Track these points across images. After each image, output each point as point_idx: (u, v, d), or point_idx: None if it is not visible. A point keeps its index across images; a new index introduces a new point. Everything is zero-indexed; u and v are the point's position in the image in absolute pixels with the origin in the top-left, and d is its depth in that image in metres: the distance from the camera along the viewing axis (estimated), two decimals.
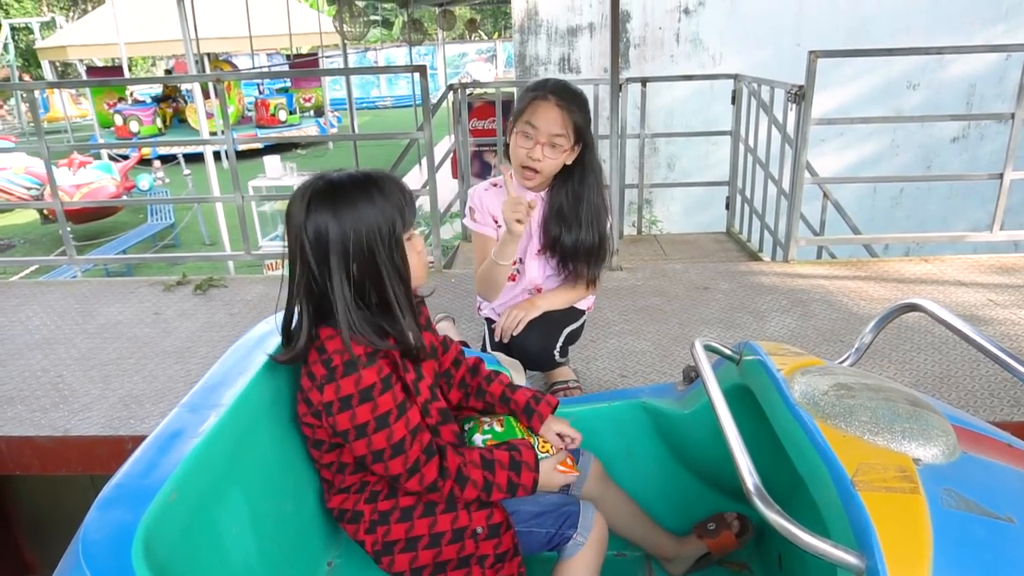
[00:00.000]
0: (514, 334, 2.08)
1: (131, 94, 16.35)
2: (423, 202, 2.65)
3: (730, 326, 2.92)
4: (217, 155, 7.52)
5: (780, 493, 1.18)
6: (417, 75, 3.66)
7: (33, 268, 7.12)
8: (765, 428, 1.31)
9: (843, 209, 4.36)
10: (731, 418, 1.11)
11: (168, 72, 19.75)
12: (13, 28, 21.02)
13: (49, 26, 21.60)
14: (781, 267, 3.68)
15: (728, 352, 1.47)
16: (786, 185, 3.85)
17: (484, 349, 2.21)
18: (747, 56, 6.62)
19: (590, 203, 2.08)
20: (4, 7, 24.11)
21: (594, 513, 1.45)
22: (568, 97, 1.96)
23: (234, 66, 16.85)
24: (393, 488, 1.39)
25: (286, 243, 1.32)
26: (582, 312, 2.28)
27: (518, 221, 1.91)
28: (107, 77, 16.80)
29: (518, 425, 1.57)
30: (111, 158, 11.73)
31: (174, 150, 13.05)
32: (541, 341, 2.12)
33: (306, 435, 1.40)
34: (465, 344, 2.27)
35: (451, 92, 4.83)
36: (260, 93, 16.71)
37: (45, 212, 10.28)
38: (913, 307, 1.47)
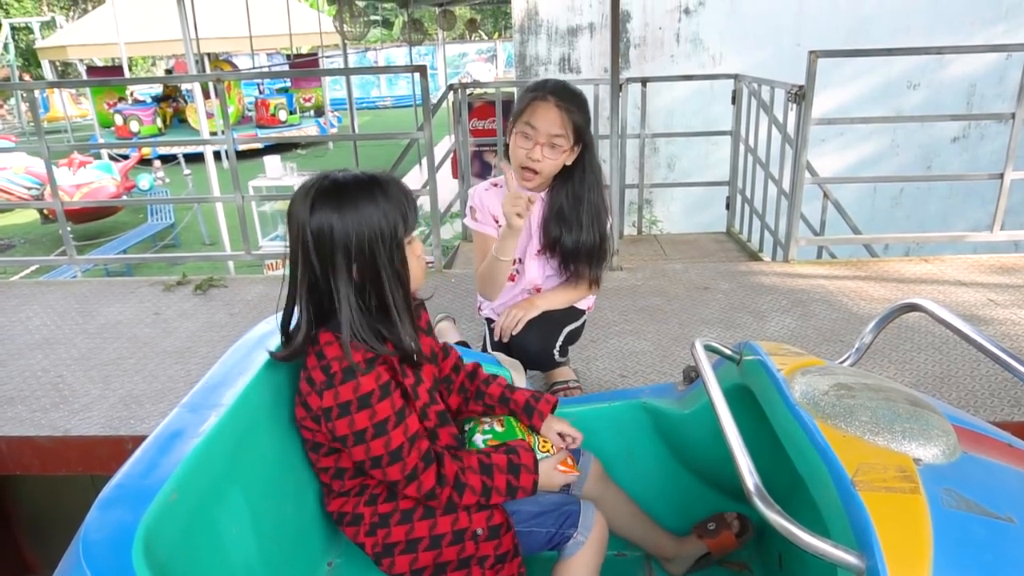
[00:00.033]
0: (513, 333, 2.08)
1: (131, 94, 16.35)
2: (423, 202, 2.65)
3: (730, 326, 2.92)
4: (217, 155, 7.52)
5: (780, 493, 1.18)
6: (417, 75, 3.66)
7: (33, 268, 7.12)
8: (765, 428, 1.31)
9: (843, 209, 4.36)
10: (731, 418, 1.11)
11: (168, 72, 19.75)
12: (13, 28, 21.02)
13: (49, 26, 21.60)
14: (781, 267, 3.68)
15: (728, 352, 1.47)
16: (786, 185, 3.85)
17: (484, 349, 2.21)
18: (747, 56, 6.62)
19: (590, 203, 2.08)
20: (4, 7, 24.11)
21: (594, 512, 1.45)
22: (567, 97, 1.96)
23: (234, 66, 16.85)
24: (393, 491, 1.39)
25: (287, 242, 1.32)
26: (582, 312, 2.28)
27: (518, 215, 1.91)
28: (107, 77, 16.80)
29: (518, 425, 1.57)
30: (111, 158, 11.73)
31: (174, 150, 13.05)
32: (541, 341, 2.12)
33: (305, 438, 1.40)
34: (465, 344, 2.27)
35: (451, 92, 4.83)
36: (260, 93, 16.71)
37: (45, 212, 10.28)
38: (913, 307, 1.47)
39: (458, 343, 2.24)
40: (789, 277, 3.49)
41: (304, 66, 17.66)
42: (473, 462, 1.39)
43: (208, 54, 13.83)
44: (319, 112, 16.90)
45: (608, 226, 2.16)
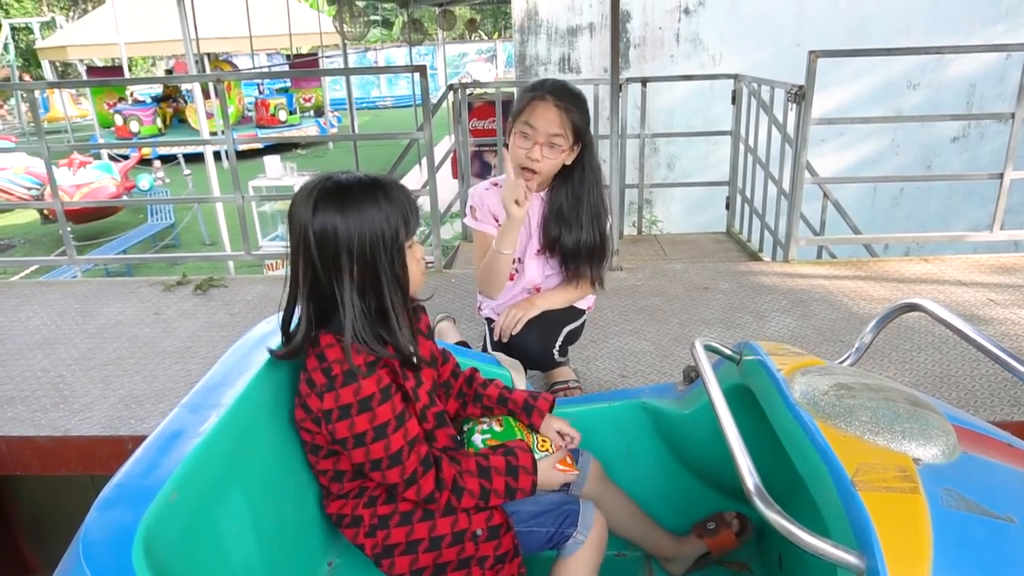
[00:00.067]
0: (513, 333, 2.08)
1: (131, 94, 16.35)
2: (423, 202, 2.65)
3: (730, 326, 2.92)
4: (217, 155, 7.52)
5: (780, 493, 1.18)
6: (417, 75, 3.66)
7: (33, 268, 7.13)
8: (765, 428, 1.31)
9: (843, 209, 4.36)
10: (731, 418, 1.11)
11: (168, 72, 19.75)
12: (13, 28, 21.02)
13: (49, 26, 21.60)
14: (781, 267, 3.68)
15: (728, 352, 1.47)
16: (786, 185, 3.85)
17: (484, 349, 2.21)
18: (747, 56, 6.62)
19: (590, 203, 2.08)
20: (4, 7, 24.11)
21: (594, 512, 1.45)
22: (566, 97, 1.95)
23: (234, 66, 16.85)
24: (392, 493, 1.39)
25: (288, 242, 1.32)
26: (582, 312, 2.28)
27: (516, 203, 1.91)
28: (107, 77, 16.80)
29: (517, 425, 1.57)
30: (111, 158, 11.73)
31: (174, 150, 13.05)
32: (540, 340, 2.12)
33: (304, 440, 1.40)
34: (465, 344, 2.27)
35: (451, 92, 4.83)
36: (260, 93, 16.71)
37: (45, 212, 10.28)
38: (913, 307, 1.47)
39: (458, 343, 2.24)
40: (789, 277, 3.49)
41: (304, 66, 17.67)
42: (471, 465, 1.39)
43: (208, 54, 13.83)
44: (319, 112, 16.90)
45: (608, 226, 2.16)
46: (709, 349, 1.41)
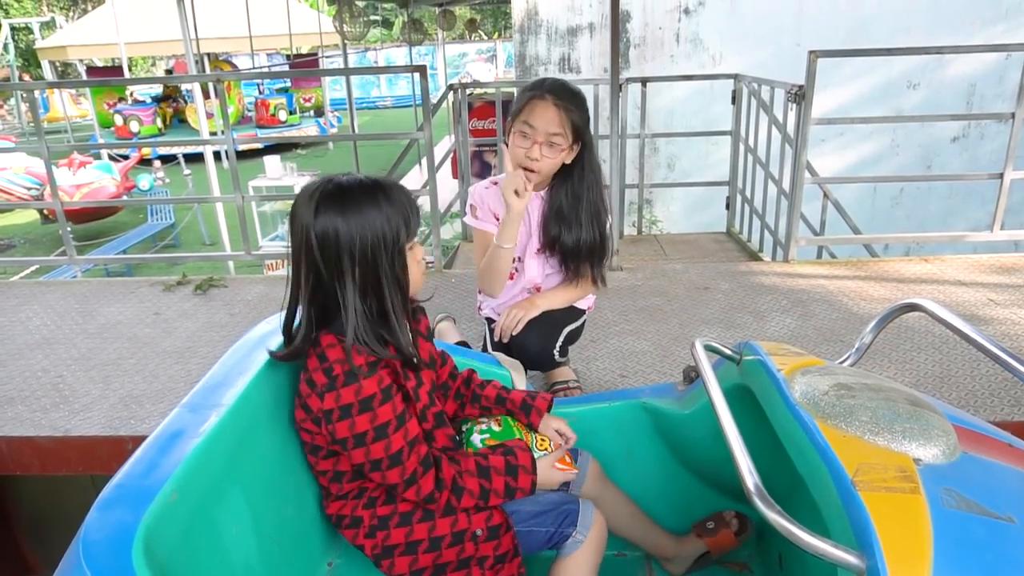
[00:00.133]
0: (513, 334, 2.08)
1: (131, 94, 16.35)
2: (423, 202, 2.65)
3: (730, 326, 2.92)
4: (217, 155, 7.52)
5: (780, 493, 1.18)
6: (417, 75, 3.66)
7: (33, 268, 7.13)
8: (765, 428, 1.31)
9: (843, 209, 4.36)
10: (731, 418, 1.11)
11: (168, 72, 19.75)
12: (13, 28, 21.02)
13: (49, 26, 21.60)
14: (781, 267, 3.68)
15: (728, 352, 1.47)
16: (786, 185, 3.85)
17: (484, 349, 2.21)
18: (747, 56, 6.62)
19: (589, 202, 2.08)
20: (4, 7, 24.11)
21: (593, 511, 1.45)
22: (566, 96, 1.95)
23: (234, 66, 16.86)
24: (391, 494, 1.39)
25: (290, 243, 1.32)
26: (582, 312, 2.28)
27: (516, 194, 1.91)
28: (107, 77, 16.80)
29: (516, 424, 1.57)
30: (111, 158, 11.73)
31: (174, 150, 13.05)
32: (541, 341, 2.12)
33: (304, 440, 1.41)
34: (465, 344, 2.27)
35: (451, 92, 4.83)
36: (260, 93, 16.71)
37: (45, 212, 10.28)
38: (913, 307, 1.47)
39: (458, 343, 2.24)
40: (789, 277, 3.49)
41: (304, 66, 17.67)
42: (471, 465, 1.39)
43: (208, 54, 13.83)
44: (319, 112, 16.90)
45: (608, 225, 2.16)
46: (709, 349, 1.41)
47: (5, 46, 19.62)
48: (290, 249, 1.32)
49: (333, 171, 1.36)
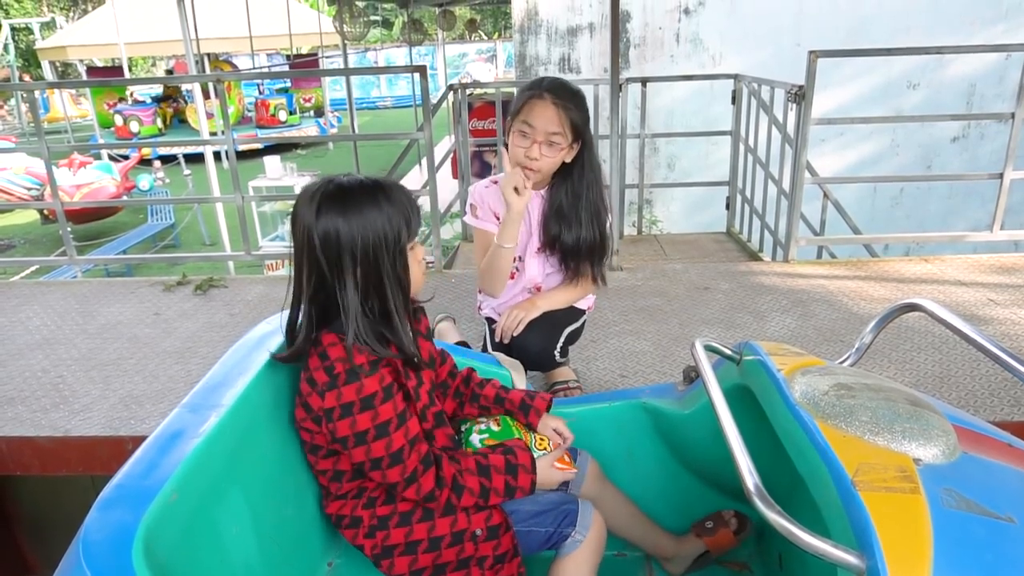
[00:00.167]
0: (514, 334, 2.08)
1: (131, 94, 16.35)
2: (423, 202, 2.65)
3: (730, 326, 2.92)
4: (217, 155, 7.52)
5: (780, 493, 1.18)
6: (417, 75, 3.66)
7: (33, 268, 7.12)
8: (765, 428, 1.31)
9: (843, 209, 4.36)
10: (731, 418, 1.11)
11: (168, 72, 19.76)
12: (13, 28, 21.02)
13: (49, 26, 21.60)
14: (781, 267, 3.68)
15: (728, 352, 1.47)
16: (786, 185, 3.85)
17: (484, 349, 2.21)
18: (747, 56, 6.62)
19: (589, 201, 2.08)
20: (4, 7, 24.11)
21: (593, 512, 1.45)
22: (564, 95, 1.95)
23: (234, 66, 16.85)
24: (391, 493, 1.39)
25: (291, 243, 1.32)
26: (582, 312, 2.28)
27: (515, 190, 1.91)
28: (107, 77, 16.79)
29: (515, 424, 1.57)
30: (111, 158, 11.72)
31: (174, 150, 13.05)
32: (542, 341, 2.12)
33: (304, 440, 1.41)
34: (465, 344, 2.27)
35: (451, 92, 4.83)
36: (260, 93, 16.71)
37: (45, 212, 10.28)
38: (913, 307, 1.47)
39: (458, 343, 2.24)
40: (789, 277, 3.49)
41: (304, 66, 17.66)
42: (471, 464, 1.39)
43: (208, 54, 13.83)
44: (319, 112, 16.90)
45: (608, 224, 2.16)
46: (709, 349, 1.41)
47: (5, 46, 19.61)
48: (292, 250, 1.32)
49: (333, 171, 1.37)
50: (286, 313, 1.39)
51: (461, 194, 4.93)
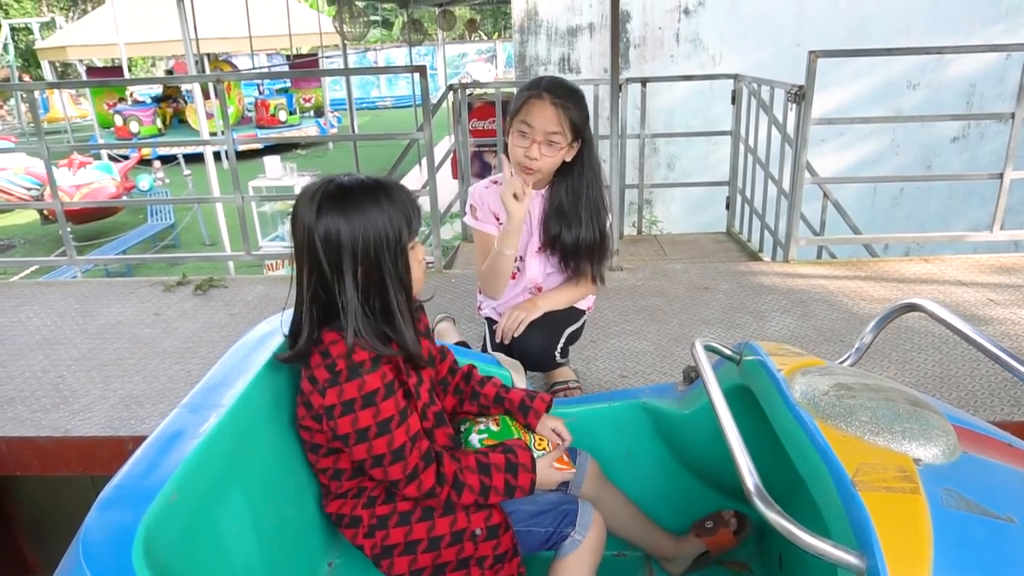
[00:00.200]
0: (515, 335, 2.08)
1: (131, 94, 16.35)
2: (423, 202, 2.65)
3: (730, 326, 2.92)
4: (217, 155, 7.52)
5: (780, 493, 1.18)
6: (417, 75, 3.66)
7: (33, 268, 7.12)
8: (765, 428, 1.31)
9: (843, 209, 4.36)
10: (731, 418, 1.11)
11: (168, 72, 19.76)
12: (13, 28, 21.02)
13: (49, 26, 21.60)
14: (781, 267, 3.68)
15: (728, 352, 1.47)
16: (786, 185, 3.85)
17: (484, 349, 2.21)
18: (747, 56, 6.62)
19: (589, 199, 2.08)
20: (4, 7, 24.10)
21: (592, 512, 1.45)
22: (563, 95, 1.95)
23: (234, 66, 16.85)
24: (391, 493, 1.39)
25: (293, 244, 1.32)
26: (582, 312, 2.28)
27: (515, 198, 1.91)
28: (107, 78, 16.79)
29: (514, 424, 1.57)
30: (111, 158, 11.72)
31: (174, 150, 13.05)
32: (542, 342, 2.12)
33: (304, 439, 1.41)
34: (465, 344, 2.27)
35: (451, 92, 4.83)
36: (260, 93, 16.71)
37: (45, 212, 10.28)
38: (913, 307, 1.47)
39: (458, 344, 2.24)
40: (789, 277, 3.49)
41: (304, 66, 17.66)
42: (471, 462, 1.39)
43: (208, 54, 13.83)
44: (319, 112, 16.90)
45: (608, 223, 2.16)
46: (709, 349, 1.41)
47: (5, 46, 19.62)
48: (292, 250, 1.32)
49: (333, 171, 1.37)
50: (287, 313, 1.40)
51: (461, 194, 4.93)
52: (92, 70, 18.08)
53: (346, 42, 10.32)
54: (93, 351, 2.89)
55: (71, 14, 25.93)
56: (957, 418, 1.19)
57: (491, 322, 2.26)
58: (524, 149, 1.96)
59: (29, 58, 22.37)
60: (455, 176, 5.58)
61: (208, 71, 12.74)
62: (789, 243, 3.67)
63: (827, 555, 0.91)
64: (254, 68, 15.71)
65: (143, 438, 1.24)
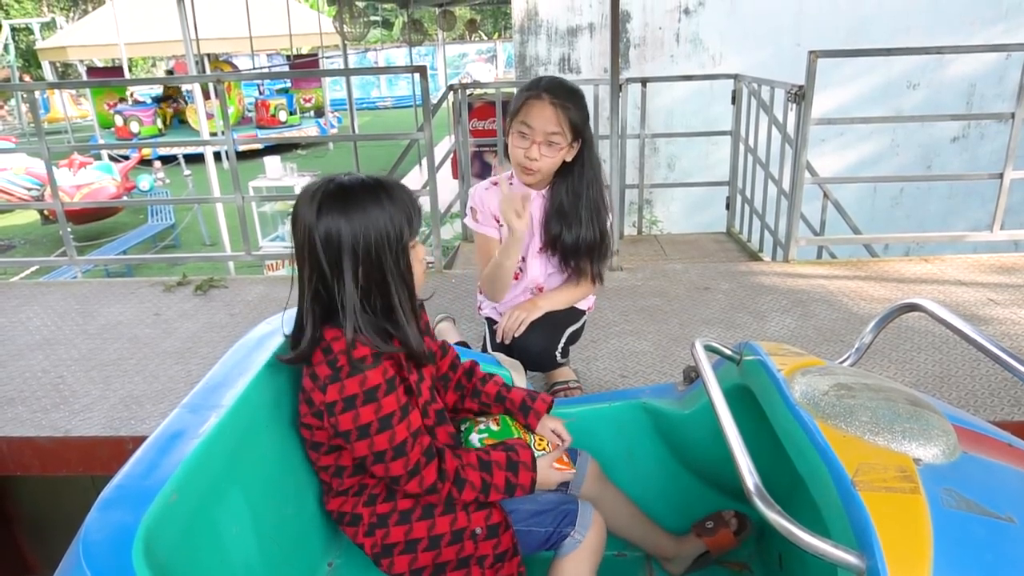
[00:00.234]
0: (516, 335, 2.08)
1: (131, 95, 16.36)
2: (423, 203, 2.65)
3: (730, 326, 2.92)
4: (217, 156, 7.52)
5: (780, 493, 1.18)
6: (417, 75, 3.66)
7: (33, 269, 7.12)
8: (765, 428, 1.31)
9: (843, 209, 4.36)
10: (731, 418, 1.11)
11: (168, 73, 19.76)
12: (13, 29, 21.01)
13: (49, 27, 21.60)
14: (781, 267, 3.68)
15: (728, 352, 1.47)
16: (786, 185, 3.85)
17: (484, 349, 2.21)
18: (747, 56, 6.62)
19: (589, 199, 2.08)
20: (4, 7, 24.11)
21: (592, 512, 1.46)
22: (562, 95, 1.95)
23: (234, 67, 16.85)
24: (391, 491, 1.39)
25: (293, 244, 1.32)
26: (583, 312, 2.28)
27: (516, 215, 1.91)
28: (107, 78, 16.79)
29: (514, 424, 1.57)
30: (111, 159, 11.73)
31: (174, 151, 13.05)
32: (543, 342, 2.12)
33: (304, 437, 1.41)
34: (465, 344, 2.27)
35: (451, 92, 4.83)
36: (260, 94, 16.71)
37: (45, 213, 10.28)
38: (913, 307, 1.47)
39: (458, 343, 2.24)
40: (789, 277, 3.49)
41: (304, 67, 17.66)
42: (472, 459, 1.40)
43: (208, 55, 13.83)
44: (319, 113, 16.90)
45: (608, 223, 2.16)
46: (709, 349, 1.41)
47: (5, 47, 19.61)
48: (292, 250, 1.32)
49: (333, 172, 1.36)
50: (288, 313, 1.40)
51: (461, 194, 4.93)
52: (92, 70, 18.09)
53: (346, 42, 10.33)
54: (93, 351, 2.89)
55: (71, 14, 25.94)
56: (957, 418, 1.19)
57: (491, 322, 2.26)
58: (524, 150, 1.97)
59: (29, 58, 22.37)
60: (455, 176, 5.59)
61: (208, 71, 12.74)
62: (789, 243, 3.67)
63: (827, 555, 0.91)
64: (254, 68, 15.71)
65: (143, 438, 1.24)
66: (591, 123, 2.12)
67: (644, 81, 4.91)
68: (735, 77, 4.81)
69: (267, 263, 6.99)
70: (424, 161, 3.81)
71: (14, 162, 11.26)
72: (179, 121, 15.92)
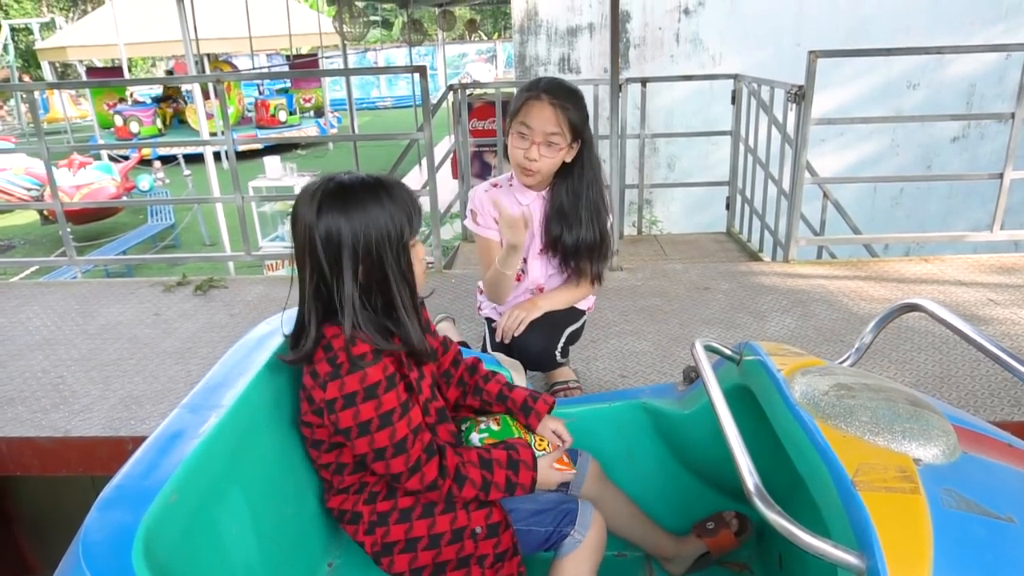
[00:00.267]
0: (516, 335, 2.08)
1: (131, 95, 16.35)
2: (423, 203, 2.65)
3: (730, 326, 2.92)
4: (217, 156, 7.52)
5: (780, 493, 1.18)
6: (417, 75, 3.66)
7: (33, 269, 7.12)
8: (765, 428, 1.31)
9: (843, 209, 4.36)
10: (731, 418, 1.11)
11: (168, 73, 19.76)
12: (13, 29, 21.00)
13: (49, 27, 21.60)
14: (781, 267, 3.68)
15: (728, 352, 1.47)
16: (786, 185, 3.85)
17: (484, 349, 2.21)
18: (747, 56, 6.62)
19: (589, 200, 2.08)
20: (4, 8, 24.10)
21: (592, 512, 1.45)
22: (562, 95, 1.95)
23: (234, 67, 16.85)
24: (392, 489, 1.39)
25: (293, 243, 1.32)
26: (583, 312, 2.28)
27: (514, 233, 1.93)
28: (107, 78, 16.78)
29: (515, 424, 1.57)
30: (111, 159, 11.72)
31: (174, 151, 13.04)
32: (543, 341, 2.12)
33: (305, 435, 1.41)
34: (465, 344, 2.27)
35: (451, 92, 4.83)
36: (260, 94, 16.71)
37: (45, 213, 10.28)
38: (913, 307, 1.47)
39: (458, 343, 2.24)
40: (789, 277, 3.49)
41: (304, 67, 17.65)
42: (473, 456, 1.40)
43: (208, 55, 13.83)
44: (319, 113, 16.90)
45: (608, 223, 2.16)
46: (709, 349, 1.41)
47: (5, 47, 19.60)
48: (292, 250, 1.32)
49: (333, 171, 1.36)
50: (288, 313, 1.39)
51: (461, 194, 4.93)
52: (92, 70, 18.08)
53: (346, 42, 10.33)
54: (93, 351, 2.89)
55: (71, 14, 25.93)
56: (957, 418, 1.19)
57: (491, 322, 2.26)
58: (523, 150, 1.97)
59: (29, 58, 22.36)
60: (455, 176, 5.59)
61: (208, 71, 12.74)
62: (789, 243, 3.67)
63: (827, 555, 0.91)
64: (254, 68, 15.71)
65: (143, 438, 1.24)
66: (591, 123, 2.13)
67: (644, 81, 4.91)
68: (735, 77, 4.81)
69: (267, 263, 6.99)
70: (424, 161, 3.81)
71: (14, 162, 11.25)
72: (179, 121, 15.91)
